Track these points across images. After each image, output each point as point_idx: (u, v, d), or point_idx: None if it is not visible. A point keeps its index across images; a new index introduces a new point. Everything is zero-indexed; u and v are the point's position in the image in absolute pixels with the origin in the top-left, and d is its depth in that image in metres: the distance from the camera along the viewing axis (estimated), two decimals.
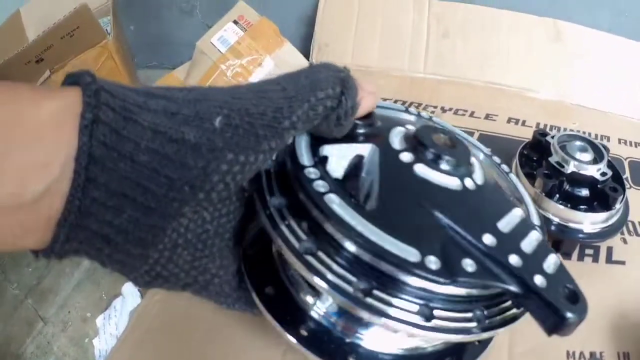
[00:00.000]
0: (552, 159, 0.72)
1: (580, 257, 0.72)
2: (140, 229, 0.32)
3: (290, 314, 0.43)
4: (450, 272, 0.35)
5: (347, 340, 0.43)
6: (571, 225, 0.69)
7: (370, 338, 0.44)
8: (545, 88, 1.07)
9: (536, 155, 0.76)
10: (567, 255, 0.72)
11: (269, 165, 0.40)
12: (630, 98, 1.07)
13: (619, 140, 0.97)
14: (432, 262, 0.35)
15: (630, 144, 0.97)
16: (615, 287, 0.68)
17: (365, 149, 0.41)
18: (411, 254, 0.35)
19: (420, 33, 1.09)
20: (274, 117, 0.34)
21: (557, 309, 0.35)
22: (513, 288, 0.36)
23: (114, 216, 0.31)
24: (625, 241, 0.75)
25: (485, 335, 0.38)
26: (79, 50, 1.10)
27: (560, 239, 0.71)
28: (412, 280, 0.35)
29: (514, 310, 0.41)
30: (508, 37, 1.08)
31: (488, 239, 0.37)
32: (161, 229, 0.32)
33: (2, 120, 0.27)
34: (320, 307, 0.44)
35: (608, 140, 0.96)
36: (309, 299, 0.44)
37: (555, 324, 0.35)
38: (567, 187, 0.71)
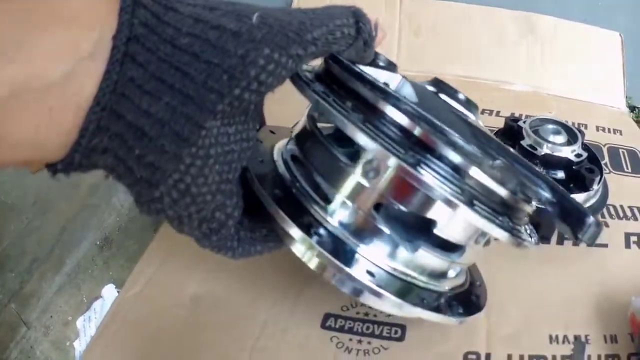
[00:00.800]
0: (525, 142, 0.70)
1: (560, 241, 0.70)
2: (177, 120, 0.30)
3: (300, 214, 0.42)
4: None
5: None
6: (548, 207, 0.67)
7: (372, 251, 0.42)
8: (520, 79, 1.06)
9: (508, 142, 0.74)
10: (545, 239, 0.70)
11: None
12: (607, 86, 1.06)
13: (597, 127, 0.96)
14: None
15: (609, 131, 0.96)
16: (598, 270, 0.66)
17: (395, 77, 0.44)
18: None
19: (392, 31, 1.08)
20: (299, 28, 0.34)
21: (583, 212, 0.41)
22: (546, 194, 0.41)
23: (150, 103, 0.30)
24: (607, 224, 0.73)
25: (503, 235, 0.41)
26: None
27: (537, 222, 0.69)
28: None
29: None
30: (480, 32, 1.07)
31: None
32: (197, 125, 0.31)
33: None
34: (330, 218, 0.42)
35: (586, 127, 0.95)
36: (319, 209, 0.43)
37: (580, 226, 0.41)
38: (541, 169, 0.69)
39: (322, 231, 0.41)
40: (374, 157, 0.39)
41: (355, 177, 0.41)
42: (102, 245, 1.10)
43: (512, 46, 1.07)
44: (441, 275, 0.46)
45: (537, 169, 0.42)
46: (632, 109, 1.14)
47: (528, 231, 0.49)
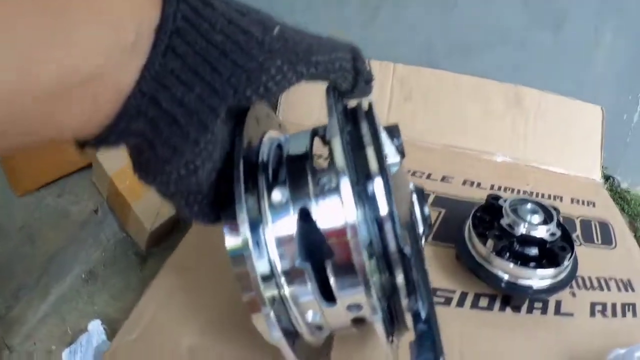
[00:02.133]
0: (504, 222, 0.80)
1: (530, 310, 0.80)
2: (203, 110, 0.35)
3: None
4: None
5: None
6: (520, 281, 0.77)
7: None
8: (501, 151, 1.16)
9: (488, 217, 0.85)
10: (516, 308, 0.80)
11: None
12: (585, 158, 1.18)
13: (572, 199, 1.08)
14: None
15: (583, 203, 1.07)
16: (564, 338, 0.75)
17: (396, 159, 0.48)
18: None
19: (383, 94, 1.18)
20: (307, 49, 0.39)
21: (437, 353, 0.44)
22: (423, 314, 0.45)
23: (184, 93, 0.34)
24: (574, 294, 0.83)
25: None
26: None
27: (510, 294, 0.79)
28: None
29: None
30: (467, 102, 1.17)
31: None
32: (216, 115, 0.36)
33: None
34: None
35: (561, 200, 1.06)
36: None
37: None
38: (517, 247, 0.79)
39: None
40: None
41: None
42: (87, 279, 1.15)
43: (498, 118, 1.18)
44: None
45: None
46: (607, 178, 1.26)
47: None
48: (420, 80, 1.19)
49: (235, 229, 0.41)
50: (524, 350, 0.73)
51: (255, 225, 0.42)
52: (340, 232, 0.42)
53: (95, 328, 1.06)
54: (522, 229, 0.79)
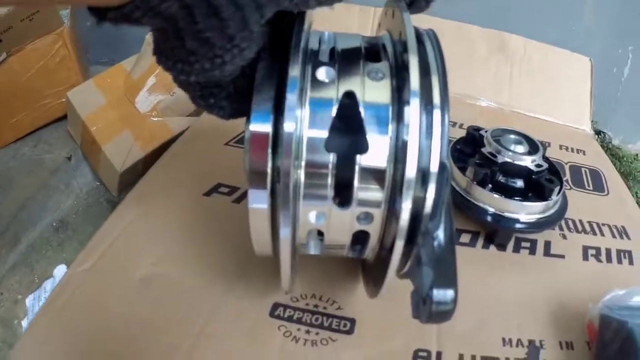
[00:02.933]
0: (485, 150, 0.70)
1: (516, 249, 0.69)
2: (250, 6, 0.31)
3: None
4: None
5: None
6: (507, 214, 0.67)
7: None
8: (485, 95, 1.06)
9: (469, 150, 0.74)
10: (501, 246, 0.69)
11: None
12: (574, 109, 1.07)
13: (560, 146, 0.97)
14: None
15: (572, 150, 0.96)
16: (553, 279, 0.66)
17: None
18: None
19: None
20: None
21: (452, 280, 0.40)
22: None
23: None
24: (564, 237, 0.73)
25: None
26: (36, 35, 1.10)
27: (495, 229, 0.68)
28: None
29: None
30: (450, 46, 1.06)
31: None
32: (262, 14, 0.32)
33: None
34: None
35: (549, 145, 0.95)
36: None
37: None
38: (500, 177, 0.68)
39: None
40: None
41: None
42: (57, 227, 1.06)
43: (481, 62, 1.08)
44: None
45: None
46: (597, 133, 1.15)
47: None
48: None
49: (264, 103, 0.39)
50: (512, 289, 0.64)
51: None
52: (382, 130, 0.39)
53: (61, 273, 0.98)
54: (505, 157, 0.68)
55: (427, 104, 0.39)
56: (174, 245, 0.63)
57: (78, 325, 0.54)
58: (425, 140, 0.39)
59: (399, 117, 0.39)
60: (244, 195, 0.71)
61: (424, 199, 0.39)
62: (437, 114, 0.39)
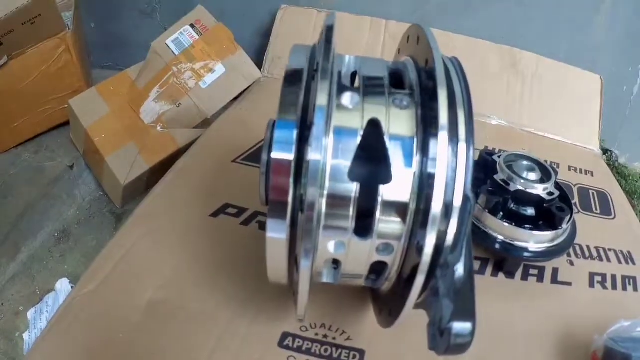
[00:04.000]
0: (498, 177, 0.70)
1: (524, 277, 0.69)
2: None
3: None
4: None
5: None
6: (516, 243, 0.67)
7: None
8: (496, 114, 1.06)
9: (481, 174, 0.74)
10: (510, 274, 0.69)
11: None
12: (583, 127, 1.07)
13: (569, 167, 0.97)
14: None
15: (580, 172, 0.96)
16: (561, 307, 0.66)
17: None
18: None
19: (375, 53, 1.07)
20: None
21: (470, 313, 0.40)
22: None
23: None
24: (572, 263, 0.73)
25: None
26: (38, 39, 1.08)
27: (504, 258, 0.68)
28: None
29: None
30: (463, 62, 1.05)
31: None
32: None
33: None
34: None
35: (558, 166, 0.95)
36: None
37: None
38: (512, 205, 0.68)
39: None
40: None
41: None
42: (59, 237, 1.05)
43: (493, 79, 1.07)
44: None
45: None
46: (604, 151, 1.15)
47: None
48: None
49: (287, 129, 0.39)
50: (519, 317, 0.64)
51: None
52: (407, 162, 0.39)
53: (63, 287, 0.97)
54: (517, 185, 0.68)
55: (452, 137, 0.39)
56: (181, 269, 0.62)
57: (81, 350, 0.53)
58: (451, 174, 0.39)
59: (423, 149, 0.39)
60: (253, 217, 0.71)
61: (445, 232, 0.39)
62: (462, 147, 0.39)
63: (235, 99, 1.07)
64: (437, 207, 0.37)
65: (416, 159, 0.39)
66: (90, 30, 1.32)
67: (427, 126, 0.39)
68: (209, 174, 0.79)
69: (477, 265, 0.70)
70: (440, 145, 0.37)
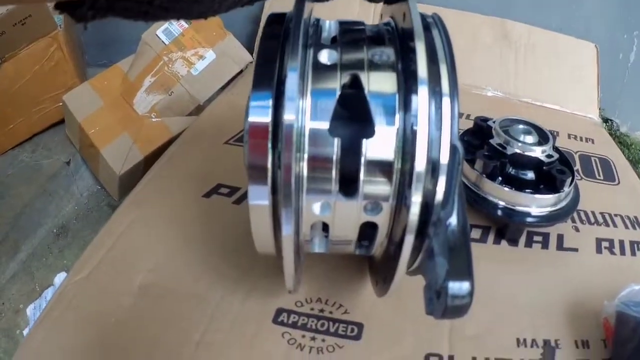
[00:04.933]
0: (494, 141, 0.66)
1: (528, 244, 0.66)
2: None
3: None
4: None
5: None
6: (518, 208, 0.63)
7: None
8: (492, 85, 1.03)
9: (477, 141, 0.70)
10: (513, 241, 0.65)
11: None
12: (580, 96, 1.03)
13: (569, 135, 0.93)
14: None
15: (581, 139, 0.93)
16: (567, 274, 0.62)
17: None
18: None
19: None
20: None
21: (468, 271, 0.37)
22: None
23: None
24: (577, 229, 0.69)
25: None
26: (30, 39, 1.07)
27: (506, 224, 0.65)
28: None
29: None
30: (454, 36, 1.03)
31: None
32: None
33: None
34: None
35: (557, 134, 0.91)
36: None
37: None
38: (510, 169, 0.65)
39: None
40: None
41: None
42: (58, 233, 1.03)
43: (486, 51, 1.04)
44: None
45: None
46: (604, 121, 1.11)
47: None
48: None
49: (264, 90, 0.37)
50: (524, 285, 0.60)
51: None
52: (390, 115, 0.37)
53: (62, 281, 0.95)
54: (515, 149, 0.65)
55: (435, 92, 0.37)
56: (173, 251, 0.60)
57: (75, 335, 0.51)
58: (435, 131, 0.36)
59: (405, 106, 0.37)
60: (245, 196, 0.68)
61: (434, 190, 0.36)
62: (446, 102, 0.37)
63: (228, 84, 1.04)
64: (420, 165, 0.34)
65: (398, 115, 0.37)
66: (83, 30, 1.30)
67: (408, 82, 0.37)
68: (201, 157, 0.77)
69: (478, 233, 0.66)
70: (420, 99, 0.34)
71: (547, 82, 1.03)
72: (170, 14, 0.30)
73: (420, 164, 0.34)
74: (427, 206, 0.37)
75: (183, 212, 0.66)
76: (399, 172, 0.37)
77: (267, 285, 0.56)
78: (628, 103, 1.19)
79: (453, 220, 0.38)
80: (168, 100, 1.02)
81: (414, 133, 0.35)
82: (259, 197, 0.38)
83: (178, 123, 1.01)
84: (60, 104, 1.08)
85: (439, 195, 0.36)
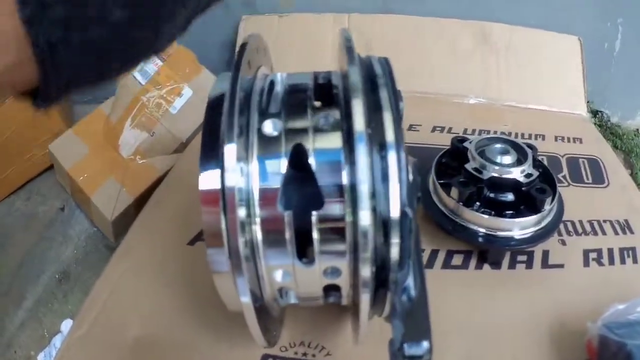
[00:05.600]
0: (469, 166, 0.65)
1: (512, 265, 0.65)
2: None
3: None
4: None
5: None
6: (499, 233, 0.62)
7: None
8: (473, 92, 1.01)
9: (454, 163, 0.69)
10: (496, 264, 0.64)
11: None
12: (567, 93, 1.02)
13: (555, 137, 0.91)
14: None
15: (568, 140, 0.91)
16: (552, 294, 0.61)
17: None
18: None
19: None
20: None
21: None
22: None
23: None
24: (563, 242, 0.68)
25: None
26: None
27: (486, 249, 0.64)
28: None
29: None
30: (432, 45, 1.02)
31: None
32: None
33: None
34: None
35: (543, 138, 0.90)
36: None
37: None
38: (488, 193, 0.64)
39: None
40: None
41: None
42: (60, 279, 1.05)
43: (466, 57, 1.03)
44: None
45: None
46: (594, 113, 1.09)
47: None
48: (378, 28, 1.03)
49: (211, 159, 0.37)
50: (506, 312, 0.60)
51: (240, 158, 0.37)
52: (335, 177, 0.37)
53: (68, 328, 0.97)
54: (491, 172, 0.63)
55: (381, 144, 0.37)
56: (162, 300, 0.61)
57: None
58: (382, 184, 0.36)
59: (351, 161, 0.36)
60: None
61: (388, 247, 0.37)
62: (392, 155, 0.36)
63: None
64: (365, 219, 0.34)
65: (344, 172, 0.37)
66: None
67: (351, 137, 0.37)
68: (184, 202, 0.77)
69: (460, 259, 0.65)
70: (359, 154, 0.34)
71: (531, 82, 1.01)
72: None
73: (365, 219, 0.34)
74: (383, 264, 0.37)
75: (170, 261, 0.67)
76: (352, 228, 0.37)
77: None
78: (617, 93, 1.16)
79: (410, 281, 0.38)
80: (151, 141, 1.02)
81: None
82: (219, 264, 0.38)
83: (164, 162, 1.01)
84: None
85: (394, 252, 0.37)
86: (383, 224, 0.36)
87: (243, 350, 0.55)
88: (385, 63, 0.44)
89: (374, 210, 0.35)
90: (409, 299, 0.38)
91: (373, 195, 0.35)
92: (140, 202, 0.99)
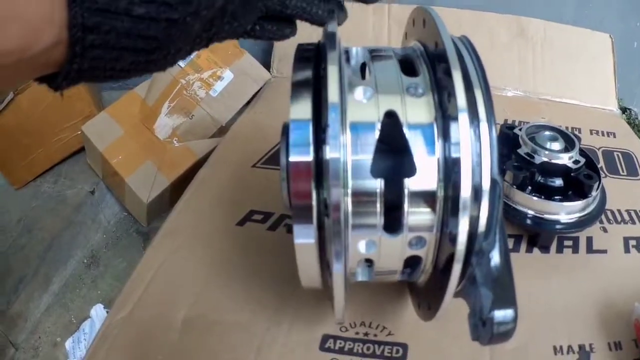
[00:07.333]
0: (521, 151, 0.69)
1: (559, 249, 0.69)
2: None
3: None
4: None
5: None
6: (547, 216, 0.66)
7: None
8: (511, 85, 1.05)
9: (504, 150, 0.73)
10: (544, 248, 0.68)
11: None
12: (599, 88, 1.06)
13: (591, 131, 0.96)
14: None
15: (603, 134, 0.95)
16: (598, 277, 0.65)
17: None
18: None
19: (381, 39, 1.07)
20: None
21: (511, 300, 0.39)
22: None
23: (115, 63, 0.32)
24: (605, 230, 0.72)
25: None
26: None
27: (536, 232, 0.68)
28: None
29: None
30: (471, 37, 1.04)
31: None
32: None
33: None
34: None
35: (579, 132, 0.94)
36: None
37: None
38: (539, 178, 0.68)
39: None
40: None
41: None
42: (89, 263, 1.07)
43: (503, 50, 1.06)
44: None
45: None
46: (623, 110, 1.13)
47: None
48: None
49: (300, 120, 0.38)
50: (557, 292, 0.63)
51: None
52: (429, 150, 0.38)
53: (98, 313, 0.99)
54: (542, 157, 0.67)
55: (472, 119, 0.38)
56: (212, 282, 0.62)
57: None
58: (475, 157, 0.38)
59: (445, 134, 0.38)
60: (279, 221, 0.71)
61: (477, 218, 0.38)
62: (484, 128, 0.39)
63: (248, 103, 1.06)
64: (466, 191, 0.36)
65: (438, 144, 0.38)
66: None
67: (445, 110, 0.39)
68: (230, 182, 0.79)
69: (510, 242, 0.69)
70: (461, 127, 0.36)
71: (565, 76, 1.05)
72: (132, 74, 0.34)
73: (466, 191, 0.36)
74: (471, 236, 0.38)
75: (218, 242, 0.68)
76: (442, 201, 0.39)
77: (309, 312, 0.58)
78: None
79: (495, 251, 0.40)
80: (189, 124, 1.05)
81: (456, 161, 0.37)
82: (305, 236, 0.39)
83: (202, 146, 1.04)
84: (79, 132, 1.11)
85: (482, 223, 0.38)
86: (475, 194, 0.37)
87: (301, 332, 0.56)
88: (467, 40, 0.46)
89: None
90: (494, 267, 0.40)
91: None
92: (176, 186, 1.01)
